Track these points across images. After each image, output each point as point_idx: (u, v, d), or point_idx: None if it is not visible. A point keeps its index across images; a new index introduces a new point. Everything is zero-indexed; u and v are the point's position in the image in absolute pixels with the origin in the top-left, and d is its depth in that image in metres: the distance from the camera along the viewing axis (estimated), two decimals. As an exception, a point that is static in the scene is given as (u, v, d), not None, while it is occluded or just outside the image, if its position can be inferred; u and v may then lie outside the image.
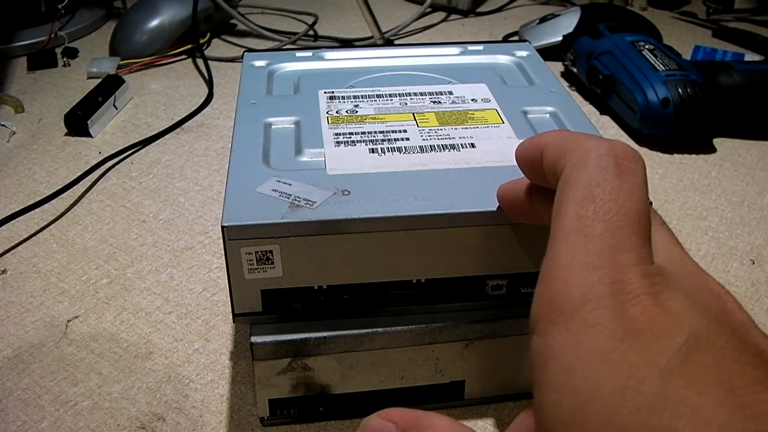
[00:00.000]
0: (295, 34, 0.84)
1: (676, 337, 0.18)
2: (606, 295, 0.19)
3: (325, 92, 0.42)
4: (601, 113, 0.69)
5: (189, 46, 0.80)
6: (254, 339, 0.33)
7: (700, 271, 0.21)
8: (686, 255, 0.22)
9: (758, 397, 0.16)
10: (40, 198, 0.54)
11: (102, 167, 0.59)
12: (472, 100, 0.41)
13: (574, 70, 0.72)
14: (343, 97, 0.41)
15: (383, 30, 0.82)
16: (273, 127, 0.39)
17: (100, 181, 0.58)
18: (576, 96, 0.72)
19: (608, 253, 0.19)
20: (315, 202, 0.31)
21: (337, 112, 0.40)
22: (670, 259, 0.21)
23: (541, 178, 0.25)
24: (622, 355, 0.18)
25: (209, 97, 0.71)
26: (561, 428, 0.18)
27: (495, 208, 0.31)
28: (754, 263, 0.49)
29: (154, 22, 0.79)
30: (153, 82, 0.75)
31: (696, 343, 0.18)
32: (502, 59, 0.48)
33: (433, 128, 0.38)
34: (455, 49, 0.49)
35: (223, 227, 0.30)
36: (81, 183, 0.57)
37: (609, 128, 0.66)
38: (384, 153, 0.36)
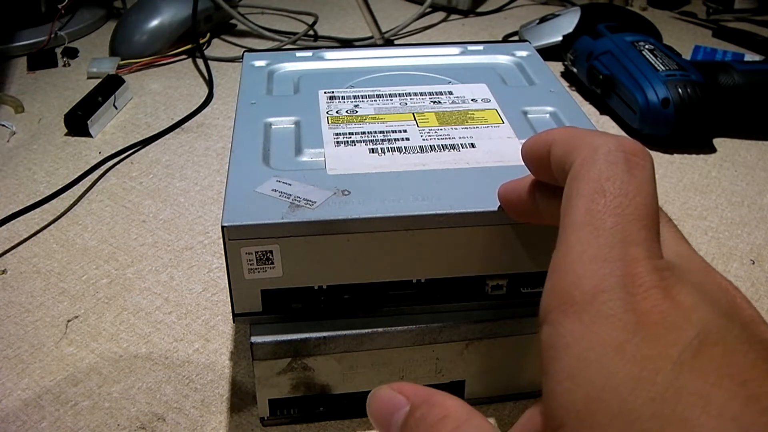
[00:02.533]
0: (295, 34, 0.84)
1: (687, 330, 0.18)
2: (617, 288, 0.19)
3: (325, 92, 0.42)
4: (601, 113, 0.69)
5: (189, 46, 0.80)
6: (254, 339, 0.33)
7: (708, 267, 0.21)
8: (693, 251, 0.22)
9: None
10: (40, 198, 0.54)
11: (102, 167, 0.59)
12: (472, 100, 0.41)
13: (574, 70, 0.73)
14: (343, 97, 0.41)
15: (383, 30, 0.82)
16: (273, 127, 0.39)
17: (100, 181, 0.58)
18: (576, 96, 0.72)
19: (619, 247, 0.20)
20: (315, 202, 0.31)
21: (337, 112, 0.40)
22: (678, 255, 0.21)
23: (547, 175, 0.25)
24: (635, 347, 0.18)
25: (209, 97, 0.71)
26: (573, 417, 0.18)
27: (495, 208, 0.31)
28: (754, 263, 0.49)
29: (154, 22, 0.79)
30: (153, 82, 0.75)
31: (707, 337, 0.18)
32: (502, 59, 0.48)
33: (433, 128, 0.38)
34: (455, 49, 0.49)
35: (223, 227, 0.30)
36: (81, 183, 0.57)
37: (609, 128, 0.66)
38: (384, 153, 0.36)
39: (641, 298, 0.19)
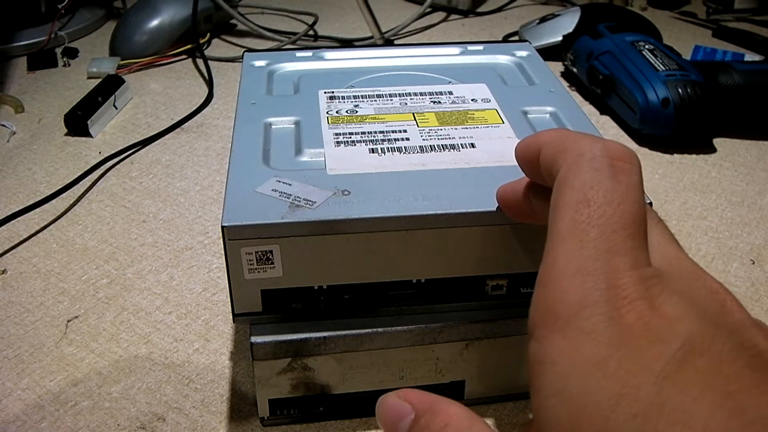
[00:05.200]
0: (295, 34, 0.84)
1: (671, 342, 0.18)
2: (601, 302, 0.19)
3: (325, 92, 0.42)
4: (601, 113, 0.69)
5: (189, 46, 0.80)
6: (254, 339, 0.33)
7: (698, 270, 0.21)
8: (683, 253, 0.22)
9: (756, 400, 0.16)
10: (40, 198, 0.54)
11: (102, 167, 0.59)
12: (472, 100, 0.41)
13: (574, 70, 0.72)
14: (343, 97, 0.41)
15: (383, 30, 0.82)
16: (273, 127, 0.39)
17: (100, 181, 0.58)
18: (576, 96, 0.72)
19: (603, 258, 0.19)
20: (315, 202, 0.31)
21: (337, 112, 0.40)
22: (667, 259, 0.21)
23: (539, 177, 0.25)
24: (617, 362, 0.18)
25: (209, 97, 0.71)
26: None
27: (495, 208, 0.31)
28: (754, 263, 0.49)
29: (154, 22, 0.79)
30: (153, 82, 0.75)
31: (691, 348, 0.18)
32: (502, 59, 0.48)
33: (433, 128, 0.38)
34: (455, 49, 0.49)
35: (223, 227, 0.30)
36: (81, 183, 0.57)
37: (609, 128, 0.66)
38: (384, 153, 0.36)
39: (625, 311, 0.18)
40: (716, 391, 0.17)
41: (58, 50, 0.80)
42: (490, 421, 0.37)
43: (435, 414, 0.21)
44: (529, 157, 0.25)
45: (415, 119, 0.39)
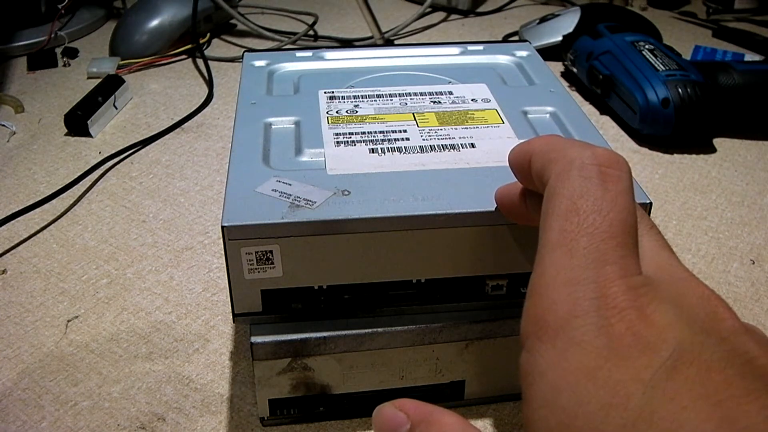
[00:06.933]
0: (295, 34, 0.84)
1: (660, 351, 0.18)
2: (591, 312, 0.19)
3: (325, 92, 0.42)
4: (601, 113, 0.69)
5: (189, 46, 0.80)
6: (254, 339, 0.33)
7: (690, 277, 0.21)
8: (675, 259, 0.22)
9: (745, 408, 0.16)
10: (40, 198, 0.54)
11: (102, 167, 0.59)
12: (472, 100, 0.41)
13: (574, 70, 0.72)
14: (343, 97, 0.41)
15: (383, 30, 0.82)
16: (273, 127, 0.39)
17: (100, 181, 0.58)
18: (576, 96, 0.72)
19: (593, 268, 0.19)
20: (315, 202, 0.31)
21: (337, 112, 0.40)
22: (658, 266, 0.21)
23: (531, 184, 0.25)
24: (607, 372, 0.18)
25: (209, 97, 0.71)
26: None
27: (494, 209, 0.31)
28: (754, 263, 0.49)
29: (154, 22, 0.79)
30: (153, 82, 0.75)
31: (681, 356, 0.17)
32: (502, 59, 0.48)
33: (433, 128, 0.38)
34: (455, 49, 0.49)
35: (223, 227, 0.30)
36: (81, 183, 0.57)
37: (609, 128, 0.66)
38: (384, 153, 0.36)
39: (615, 320, 0.18)
40: (706, 400, 0.16)
41: (58, 50, 0.80)
42: (490, 421, 0.37)
43: (430, 424, 0.21)
44: (520, 165, 0.25)
45: (415, 119, 0.39)
